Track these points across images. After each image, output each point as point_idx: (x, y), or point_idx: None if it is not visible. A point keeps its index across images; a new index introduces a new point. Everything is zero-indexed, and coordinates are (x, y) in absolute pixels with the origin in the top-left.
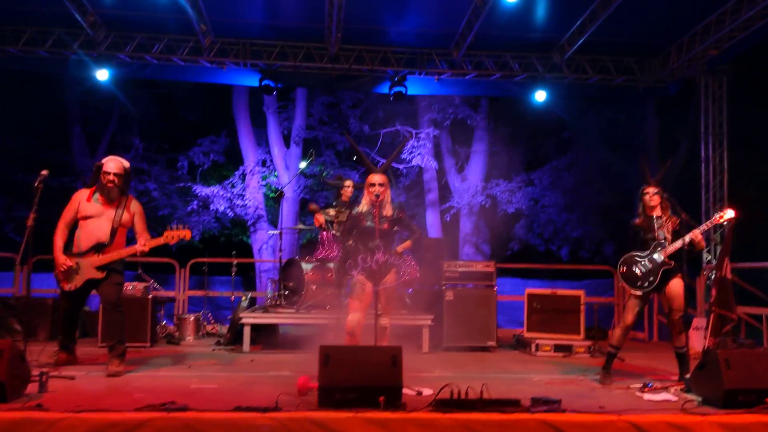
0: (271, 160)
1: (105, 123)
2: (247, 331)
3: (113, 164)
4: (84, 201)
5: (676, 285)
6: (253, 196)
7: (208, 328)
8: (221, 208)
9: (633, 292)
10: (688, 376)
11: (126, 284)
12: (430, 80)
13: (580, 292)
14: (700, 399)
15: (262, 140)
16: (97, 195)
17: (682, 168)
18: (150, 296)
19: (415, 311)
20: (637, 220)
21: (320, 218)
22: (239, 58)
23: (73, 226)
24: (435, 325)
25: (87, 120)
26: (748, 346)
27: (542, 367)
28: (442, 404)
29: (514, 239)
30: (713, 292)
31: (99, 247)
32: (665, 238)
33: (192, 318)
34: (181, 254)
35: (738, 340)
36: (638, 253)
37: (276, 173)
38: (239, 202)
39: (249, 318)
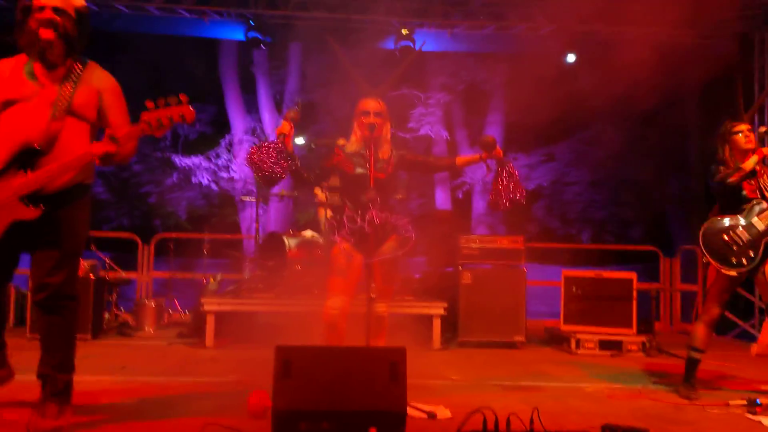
0: (262, 129)
1: None
2: (210, 320)
3: None
4: (3, 76)
5: None
6: (240, 168)
7: (174, 316)
8: (205, 182)
9: (725, 271)
10: None
11: None
12: (443, 34)
13: (632, 275)
14: None
15: (252, 108)
16: (31, 65)
17: None
18: (95, 277)
19: (422, 297)
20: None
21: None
22: (222, 6)
23: None
24: (448, 314)
25: None
26: None
27: (590, 370)
28: None
29: (532, 220)
30: None
31: (27, 157)
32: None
33: (153, 304)
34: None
35: None
36: (728, 219)
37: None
38: (225, 174)
39: (213, 305)
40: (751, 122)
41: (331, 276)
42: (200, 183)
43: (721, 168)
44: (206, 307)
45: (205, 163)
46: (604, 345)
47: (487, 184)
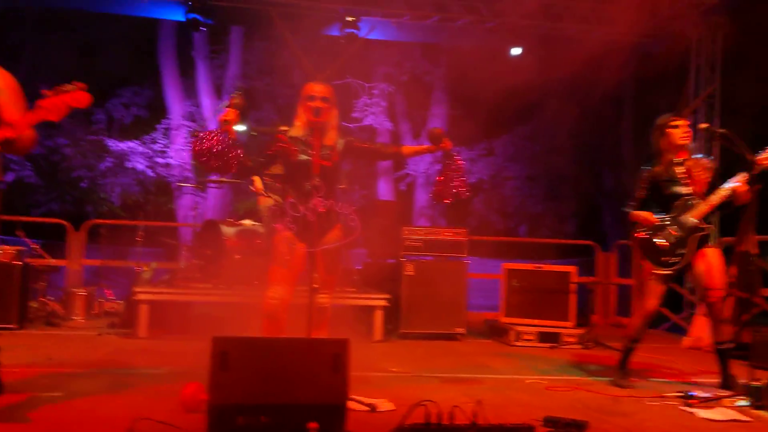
0: (200, 114)
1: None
2: (143, 310)
3: None
4: None
5: (713, 256)
6: (178, 155)
7: (106, 305)
8: (140, 167)
9: (658, 271)
10: (756, 383)
11: None
12: (387, 23)
13: (571, 268)
14: None
15: (191, 92)
16: None
17: None
18: (21, 263)
19: (364, 289)
20: (657, 167)
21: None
22: None
23: None
24: (390, 306)
25: None
26: None
27: (530, 362)
28: None
29: (472, 214)
30: (732, 270)
31: None
32: (696, 193)
33: (83, 293)
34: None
35: None
36: (659, 216)
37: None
38: (162, 160)
39: (146, 294)
40: (684, 119)
41: (272, 265)
42: (135, 168)
43: (635, 197)
44: (139, 297)
45: (140, 148)
46: (543, 337)
47: (431, 177)
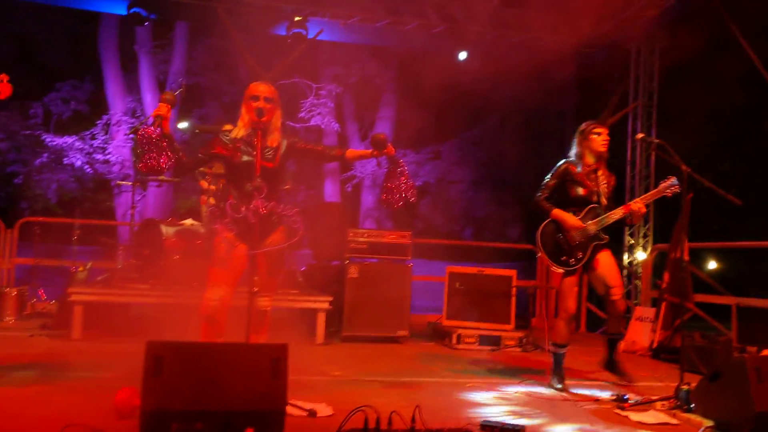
0: (142, 110)
1: None
2: (78, 311)
3: None
4: None
5: (607, 258)
6: (118, 151)
7: (38, 306)
8: (78, 163)
9: (554, 269)
10: (685, 387)
11: None
12: (336, 24)
13: (512, 272)
14: (711, 423)
15: (133, 88)
16: None
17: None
18: None
19: (307, 291)
20: (573, 166)
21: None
22: None
23: None
24: (333, 308)
25: None
26: (722, 344)
27: (471, 366)
28: None
29: (418, 216)
30: (665, 276)
31: None
32: (600, 203)
33: (14, 293)
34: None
35: (709, 335)
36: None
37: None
38: (101, 156)
39: (81, 294)
40: (606, 128)
41: (211, 266)
42: (73, 165)
43: (547, 186)
44: (74, 297)
45: (78, 144)
46: (484, 340)
47: (378, 179)
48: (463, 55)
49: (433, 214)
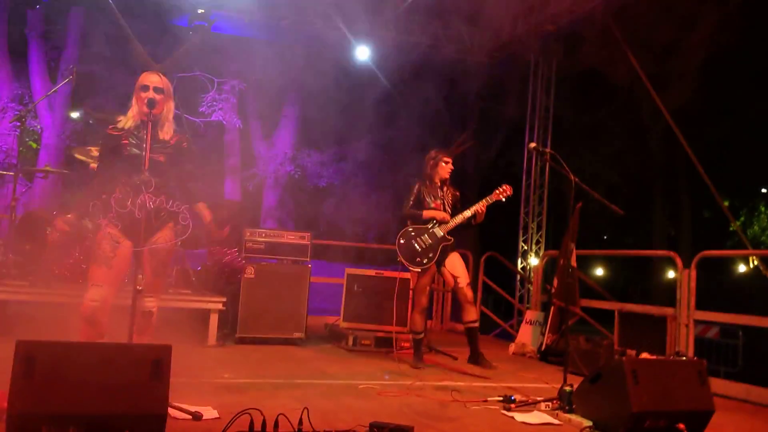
0: (31, 96)
1: None
2: None
3: None
4: None
5: (454, 256)
6: (3, 139)
7: None
8: None
9: (412, 269)
10: (568, 388)
11: None
12: (240, 19)
13: (410, 275)
14: (590, 424)
15: (21, 73)
16: None
17: (499, 152)
18: None
19: (201, 291)
20: (423, 187)
21: None
22: None
23: None
24: (228, 309)
25: None
26: (604, 347)
27: (366, 368)
28: None
29: (322, 217)
30: (555, 282)
31: None
32: (447, 211)
33: None
34: None
35: (593, 339)
36: (419, 227)
37: (36, 113)
38: None
39: None
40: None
41: (93, 264)
42: None
43: (408, 202)
44: None
45: None
46: (379, 342)
47: (280, 178)
48: (363, 54)
49: (337, 216)
